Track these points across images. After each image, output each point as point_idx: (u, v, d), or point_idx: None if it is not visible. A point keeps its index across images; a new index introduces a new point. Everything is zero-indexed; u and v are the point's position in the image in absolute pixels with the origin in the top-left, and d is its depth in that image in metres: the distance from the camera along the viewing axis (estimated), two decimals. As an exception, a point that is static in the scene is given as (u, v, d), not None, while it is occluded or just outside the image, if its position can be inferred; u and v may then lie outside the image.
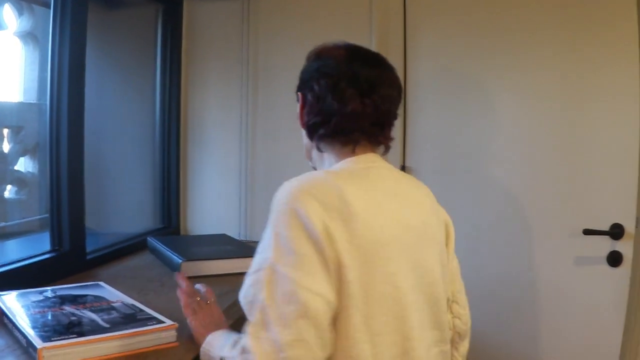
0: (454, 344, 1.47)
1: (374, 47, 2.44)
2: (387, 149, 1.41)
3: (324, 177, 1.23)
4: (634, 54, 2.20)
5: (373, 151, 1.37)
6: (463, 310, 1.49)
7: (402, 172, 1.44)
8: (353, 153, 1.35)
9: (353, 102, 1.32)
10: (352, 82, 1.33)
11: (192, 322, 1.39)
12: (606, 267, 2.29)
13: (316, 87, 1.39)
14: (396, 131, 1.52)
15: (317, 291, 1.11)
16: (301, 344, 1.10)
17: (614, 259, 2.27)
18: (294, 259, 1.13)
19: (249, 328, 1.14)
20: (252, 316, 1.14)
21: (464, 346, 1.51)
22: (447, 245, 1.42)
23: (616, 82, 2.24)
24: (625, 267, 2.27)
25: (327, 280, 1.13)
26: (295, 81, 2.57)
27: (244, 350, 1.12)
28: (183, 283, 1.51)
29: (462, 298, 1.49)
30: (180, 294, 1.47)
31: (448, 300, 1.42)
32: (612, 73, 2.25)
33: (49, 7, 1.96)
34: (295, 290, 1.11)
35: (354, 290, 1.14)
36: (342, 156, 1.36)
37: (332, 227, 1.13)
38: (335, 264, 1.13)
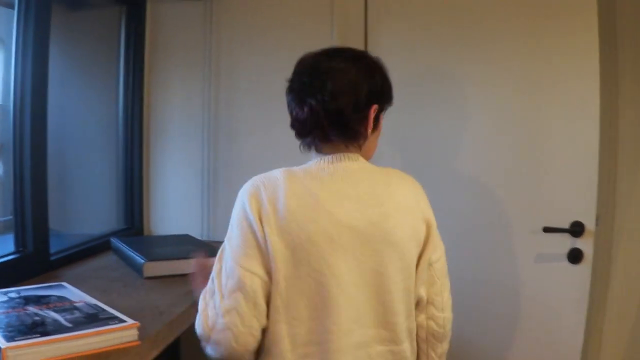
0: (429, 344, 1.53)
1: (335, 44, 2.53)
2: (359, 146, 1.47)
3: (274, 176, 1.43)
4: (594, 51, 2.26)
5: (346, 150, 1.45)
6: (439, 312, 1.52)
7: (379, 172, 1.47)
8: (321, 152, 1.47)
9: (296, 109, 1.46)
10: (291, 90, 1.48)
11: (195, 288, 1.57)
12: (567, 264, 2.34)
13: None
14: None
15: (252, 270, 1.34)
16: (236, 312, 1.33)
17: (575, 256, 2.33)
18: (236, 241, 1.37)
19: (203, 292, 1.41)
20: (208, 283, 1.40)
21: (442, 347, 1.56)
22: (425, 246, 1.46)
23: (576, 80, 2.30)
24: (586, 264, 2.32)
25: (261, 263, 1.35)
26: (257, 80, 2.65)
27: (199, 311, 1.40)
28: (198, 255, 1.68)
29: (441, 300, 1.52)
30: (193, 264, 1.65)
31: (421, 301, 1.50)
32: (573, 70, 2.30)
33: (13, 8, 1.96)
34: (234, 267, 1.35)
35: (277, 278, 1.34)
36: (316, 156, 1.49)
37: (265, 220, 1.34)
38: (267, 253, 1.34)
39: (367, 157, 1.50)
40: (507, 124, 2.42)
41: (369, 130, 1.45)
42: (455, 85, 2.46)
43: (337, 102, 1.40)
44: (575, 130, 2.32)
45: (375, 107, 1.44)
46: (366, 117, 1.44)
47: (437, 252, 1.49)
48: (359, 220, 1.36)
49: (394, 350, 1.43)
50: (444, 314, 1.53)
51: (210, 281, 1.40)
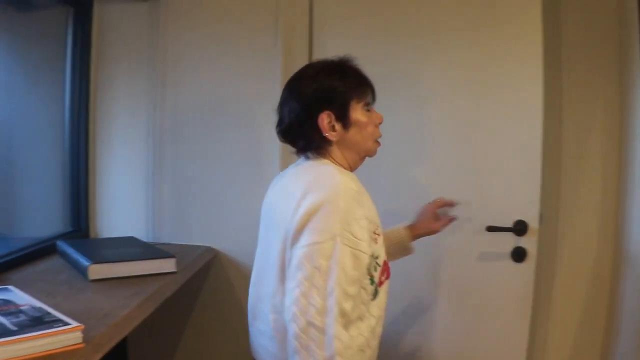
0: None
1: (279, 49, 2.60)
2: (301, 152, 1.78)
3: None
4: (538, 54, 2.35)
5: (304, 155, 1.77)
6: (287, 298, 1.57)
7: (302, 168, 1.74)
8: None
9: None
10: None
11: None
12: (511, 263, 2.42)
13: None
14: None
15: None
16: None
17: (518, 254, 2.41)
18: None
19: None
20: None
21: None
22: (296, 235, 1.57)
23: (519, 80, 2.39)
24: (530, 262, 2.41)
25: None
26: (204, 82, 2.68)
27: None
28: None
29: (287, 290, 1.58)
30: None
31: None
32: (517, 73, 2.39)
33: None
34: None
35: None
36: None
37: None
38: None
39: (359, 151, 1.76)
40: (451, 125, 2.50)
41: (327, 135, 1.69)
42: (400, 87, 2.52)
43: (280, 126, 1.77)
44: (518, 132, 2.40)
45: (323, 115, 1.67)
46: (312, 128, 1.69)
47: (300, 242, 1.57)
48: (271, 204, 1.79)
49: (260, 329, 1.75)
50: (289, 300, 1.56)
51: None
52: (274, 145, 2.57)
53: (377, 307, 1.66)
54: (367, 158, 1.80)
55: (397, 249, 2.10)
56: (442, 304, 2.53)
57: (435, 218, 2.19)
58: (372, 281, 1.62)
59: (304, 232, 1.55)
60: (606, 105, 2.69)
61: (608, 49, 2.68)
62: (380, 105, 1.80)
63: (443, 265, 2.52)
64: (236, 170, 2.70)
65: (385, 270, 1.70)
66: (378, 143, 1.79)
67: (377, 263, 1.63)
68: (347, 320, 1.52)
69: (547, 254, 2.72)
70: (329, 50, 2.35)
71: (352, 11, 2.60)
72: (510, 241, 2.43)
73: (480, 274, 2.48)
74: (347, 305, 1.51)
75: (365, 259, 1.56)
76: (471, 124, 2.48)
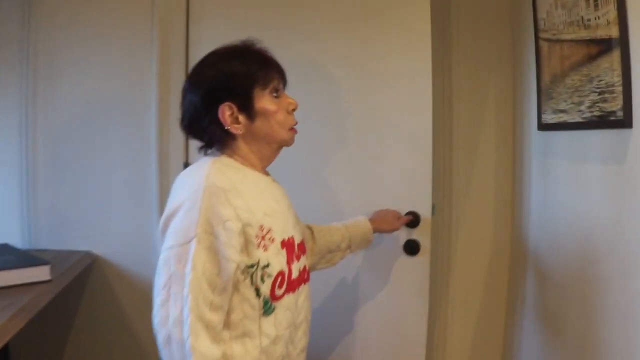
0: None
1: (155, 44, 2.61)
2: (207, 147, 1.71)
3: None
4: (427, 46, 2.40)
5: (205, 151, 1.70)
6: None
7: (189, 167, 1.69)
8: None
9: None
10: None
11: None
12: (404, 257, 2.45)
13: None
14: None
15: None
16: None
17: (411, 247, 2.44)
18: None
19: None
20: None
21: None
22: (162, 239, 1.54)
23: (409, 71, 2.43)
24: (424, 255, 2.44)
25: None
26: (79, 77, 2.62)
27: None
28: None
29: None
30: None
31: None
32: (405, 62, 2.44)
33: None
34: None
35: None
36: None
37: None
38: None
39: (271, 142, 1.68)
40: (341, 118, 2.52)
41: (230, 127, 1.61)
42: (327, 79, 2.53)
43: (182, 122, 1.69)
44: (409, 122, 2.44)
45: (223, 107, 1.59)
46: (214, 122, 1.61)
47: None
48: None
49: None
50: (154, 311, 1.52)
51: None
52: (152, 143, 2.57)
53: (273, 326, 1.58)
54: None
55: (360, 241, 2.17)
56: (334, 303, 2.53)
57: (396, 217, 2.34)
58: (257, 293, 1.53)
59: (166, 235, 1.52)
60: (498, 95, 2.80)
61: (500, 39, 2.79)
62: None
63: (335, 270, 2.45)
64: (115, 170, 2.67)
65: (289, 283, 1.62)
66: (294, 131, 1.72)
67: (266, 273, 1.54)
68: (215, 333, 1.45)
69: (442, 246, 2.80)
70: (206, 44, 2.30)
71: (230, 3, 2.59)
72: (402, 234, 2.45)
73: (373, 269, 2.50)
74: (214, 317, 1.44)
75: (231, 266, 1.47)
76: (361, 117, 2.50)
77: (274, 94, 1.65)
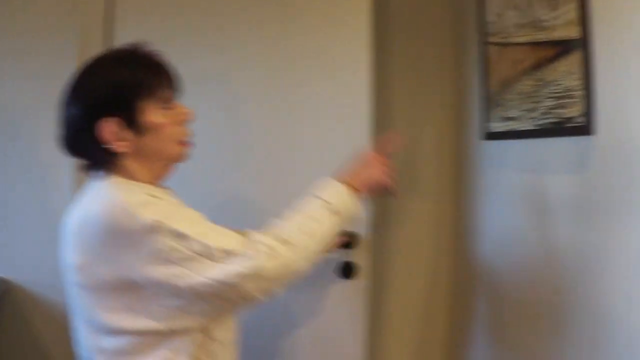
0: None
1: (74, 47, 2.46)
2: (91, 168, 1.54)
3: None
4: (364, 54, 2.30)
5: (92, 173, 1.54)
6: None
7: (94, 186, 1.50)
8: None
9: None
10: None
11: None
12: (339, 280, 2.30)
13: None
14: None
15: None
16: None
17: (347, 270, 2.29)
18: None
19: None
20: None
21: None
22: None
23: (343, 75, 2.32)
24: (361, 277, 2.31)
25: None
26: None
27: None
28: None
29: None
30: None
31: None
32: (339, 66, 2.33)
33: None
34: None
35: None
36: None
37: None
38: None
39: (161, 159, 1.53)
40: (268, 125, 2.40)
41: (111, 146, 1.44)
42: (208, 87, 2.38)
43: (61, 139, 1.51)
44: (343, 131, 2.33)
45: (104, 123, 1.43)
46: (95, 139, 1.44)
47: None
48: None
49: None
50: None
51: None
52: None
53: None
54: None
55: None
56: (266, 328, 2.38)
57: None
58: None
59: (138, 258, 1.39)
60: (440, 104, 2.71)
61: (442, 45, 2.71)
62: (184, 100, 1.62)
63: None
64: (28, 187, 2.53)
65: None
66: (185, 144, 1.57)
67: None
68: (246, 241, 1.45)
69: (380, 267, 2.67)
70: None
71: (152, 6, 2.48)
72: (337, 255, 2.29)
73: (304, 294, 2.35)
74: (227, 238, 1.44)
75: None
76: (290, 124, 2.38)
77: (164, 105, 1.50)
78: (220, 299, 1.40)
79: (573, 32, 1.74)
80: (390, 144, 1.83)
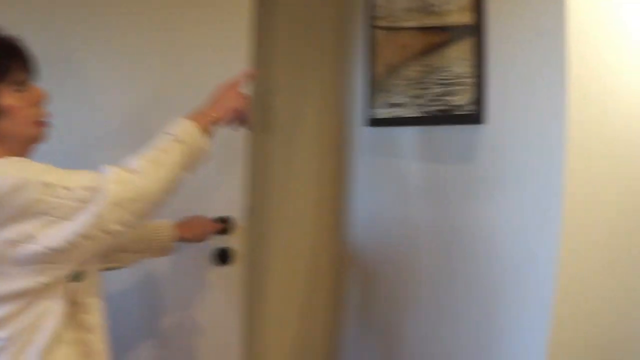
0: None
1: None
2: None
3: None
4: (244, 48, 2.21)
5: None
6: None
7: None
8: None
9: None
10: None
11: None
12: (215, 267, 2.25)
13: None
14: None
15: None
16: None
17: (223, 256, 2.24)
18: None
19: None
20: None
21: None
22: None
23: (222, 59, 2.22)
24: (238, 264, 2.26)
25: None
26: None
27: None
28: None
29: None
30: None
31: None
32: (219, 48, 2.24)
33: None
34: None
35: None
36: None
37: None
38: None
39: (19, 141, 1.50)
40: (132, 112, 2.29)
41: None
42: (63, 73, 2.23)
43: None
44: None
45: None
46: None
47: None
48: None
49: None
50: None
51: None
52: None
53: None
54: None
55: (158, 246, 1.98)
56: (137, 324, 2.29)
57: (205, 226, 2.14)
58: None
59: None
60: (322, 88, 2.66)
61: (326, 29, 2.65)
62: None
63: (133, 279, 2.26)
64: None
65: None
66: (42, 124, 1.53)
67: None
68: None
69: (258, 252, 2.63)
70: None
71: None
72: (212, 241, 2.23)
73: (180, 280, 2.28)
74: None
75: None
76: (156, 111, 2.23)
77: (18, 88, 1.48)
78: (86, 239, 1.39)
79: (466, 18, 1.72)
80: (245, 77, 1.84)
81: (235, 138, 2.20)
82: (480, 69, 1.68)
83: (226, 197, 2.27)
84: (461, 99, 1.75)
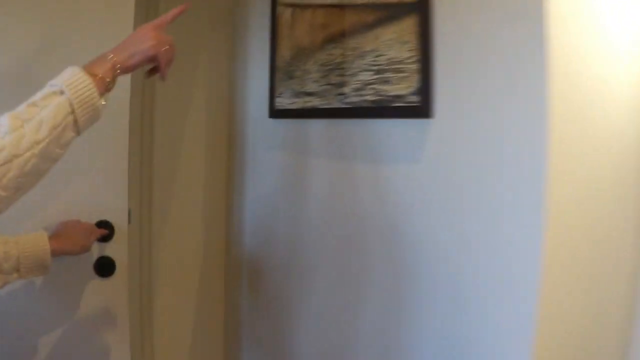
0: None
1: None
2: None
3: None
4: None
5: None
6: None
7: None
8: None
9: None
10: None
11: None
12: (97, 279, 2.03)
13: None
14: None
15: None
16: None
17: (105, 266, 2.02)
18: None
19: None
20: None
21: None
22: None
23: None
24: (121, 273, 2.05)
25: None
26: None
27: None
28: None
29: None
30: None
31: None
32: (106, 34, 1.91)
33: None
34: None
35: None
36: None
37: None
38: None
39: None
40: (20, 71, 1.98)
41: None
42: None
43: None
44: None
45: None
46: None
47: None
48: None
49: None
50: None
51: None
52: None
53: None
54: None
55: (33, 264, 1.72)
56: (16, 338, 2.04)
57: (87, 232, 1.91)
58: None
59: None
60: (214, 76, 2.55)
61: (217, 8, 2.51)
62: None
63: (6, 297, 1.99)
64: None
65: None
66: None
67: None
68: None
69: (143, 260, 2.50)
70: None
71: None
72: (93, 250, 2.00)
73: (57, 296, 2.04)
74: None
75: None
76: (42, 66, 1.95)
77: None
78: None
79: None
80: (173, 16, 1.65)
81: (116, 132, 2.02)
82: (426, 53, 1.47)
83: (105, 199, 2.05)
84: (399, 89, 1.53)
